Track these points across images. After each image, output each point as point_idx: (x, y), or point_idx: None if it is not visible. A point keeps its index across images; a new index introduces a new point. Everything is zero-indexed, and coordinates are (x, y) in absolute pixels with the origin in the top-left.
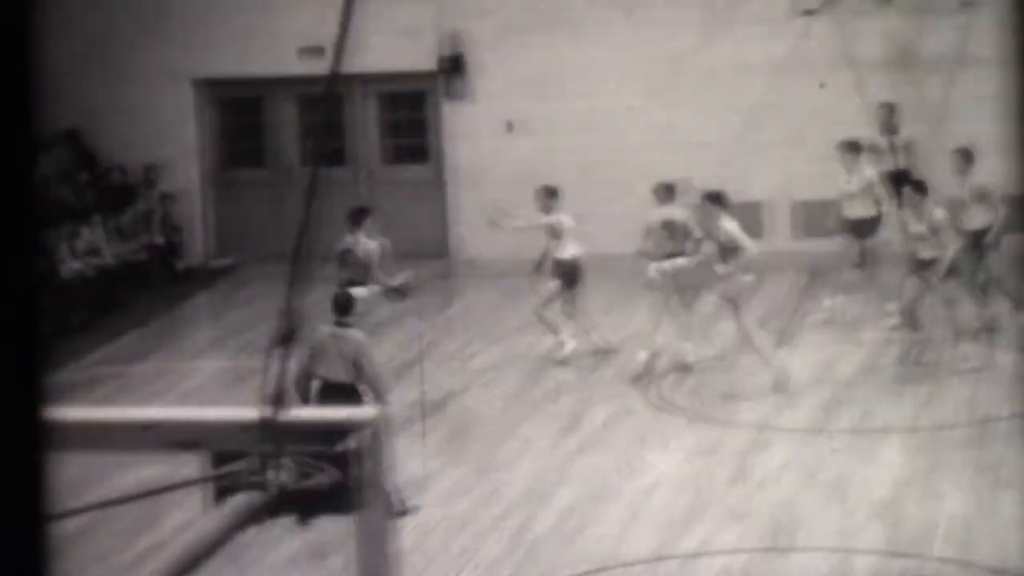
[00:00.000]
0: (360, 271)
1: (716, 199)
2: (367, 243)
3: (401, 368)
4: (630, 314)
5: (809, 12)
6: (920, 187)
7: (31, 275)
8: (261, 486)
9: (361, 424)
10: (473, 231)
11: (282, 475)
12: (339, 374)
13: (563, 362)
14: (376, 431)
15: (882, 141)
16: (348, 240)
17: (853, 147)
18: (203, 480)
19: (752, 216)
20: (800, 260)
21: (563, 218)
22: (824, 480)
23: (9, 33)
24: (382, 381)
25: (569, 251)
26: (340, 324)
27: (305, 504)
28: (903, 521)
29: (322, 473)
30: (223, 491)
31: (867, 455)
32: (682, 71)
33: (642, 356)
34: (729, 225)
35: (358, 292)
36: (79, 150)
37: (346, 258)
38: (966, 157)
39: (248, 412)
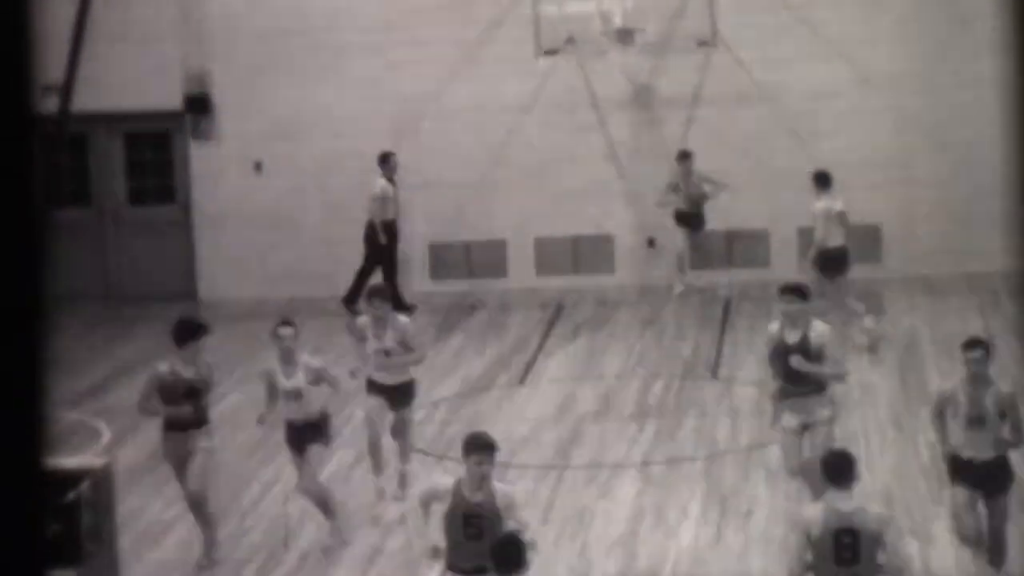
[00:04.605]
0: None
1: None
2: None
3: None
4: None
5: (552, 52)
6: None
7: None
8: None
9: (84, 474)
10: (221, 273)
11: None
12: None
13: None
14: (100, 481)
15: None
16: None
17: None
18: None
19: (497, 253)
20: (543, 296)
21: None
22: (560, 515)
23: None
24: None
25: None
26: None
27: None
28: (638, 554)
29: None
30: None
31: (603, 489)
32: (428, 111)
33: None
34: None
35: None
36: None
37: None
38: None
39: None
